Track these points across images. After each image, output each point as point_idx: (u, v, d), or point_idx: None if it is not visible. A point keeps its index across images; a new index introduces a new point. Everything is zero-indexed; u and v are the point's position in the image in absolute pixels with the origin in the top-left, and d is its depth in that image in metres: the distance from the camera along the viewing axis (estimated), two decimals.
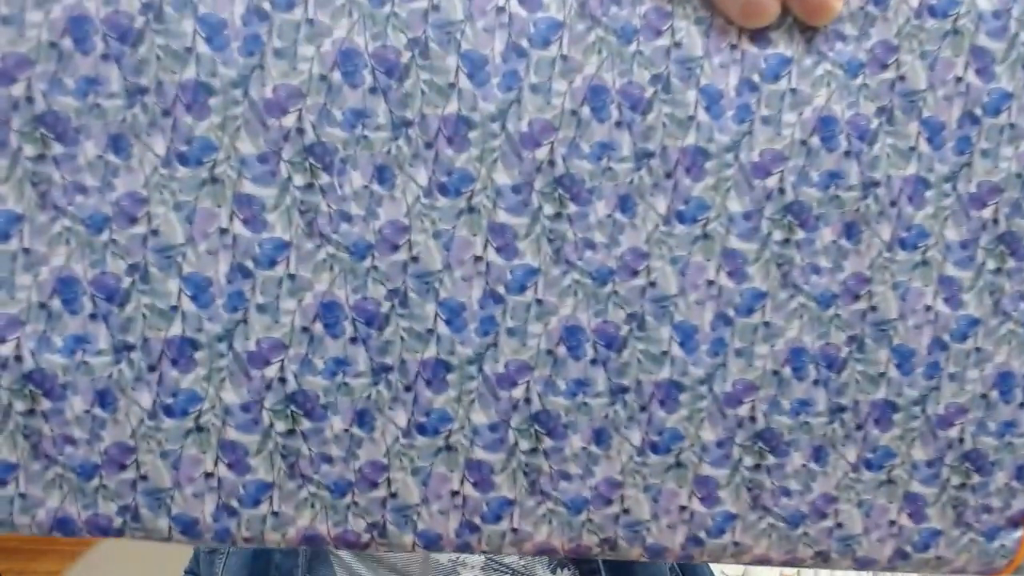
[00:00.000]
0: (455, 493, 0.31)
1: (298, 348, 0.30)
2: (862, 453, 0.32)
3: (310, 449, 0.31)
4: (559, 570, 0.63)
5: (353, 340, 0.30)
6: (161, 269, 0.30)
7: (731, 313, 0.31)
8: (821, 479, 0.32)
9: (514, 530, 0.31)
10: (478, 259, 0.31)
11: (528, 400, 0.31)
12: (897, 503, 0.32)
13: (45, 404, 0.29)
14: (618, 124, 0.30)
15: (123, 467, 0.30)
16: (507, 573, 0.62)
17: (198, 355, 0.30)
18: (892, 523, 0.33)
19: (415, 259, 0.30)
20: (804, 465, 0.32)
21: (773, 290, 0.31)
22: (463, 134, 0.30)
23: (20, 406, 0.29)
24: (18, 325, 0.29)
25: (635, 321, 0.31)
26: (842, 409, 0.32)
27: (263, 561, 0.64)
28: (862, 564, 0.33)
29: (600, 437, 0.31)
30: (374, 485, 0.31)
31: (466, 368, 0.31)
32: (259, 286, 0.30)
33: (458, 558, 0.61)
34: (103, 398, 0.30)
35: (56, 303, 0.29)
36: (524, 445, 0.31)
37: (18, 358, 0.29)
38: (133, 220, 0.30)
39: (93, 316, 0.30)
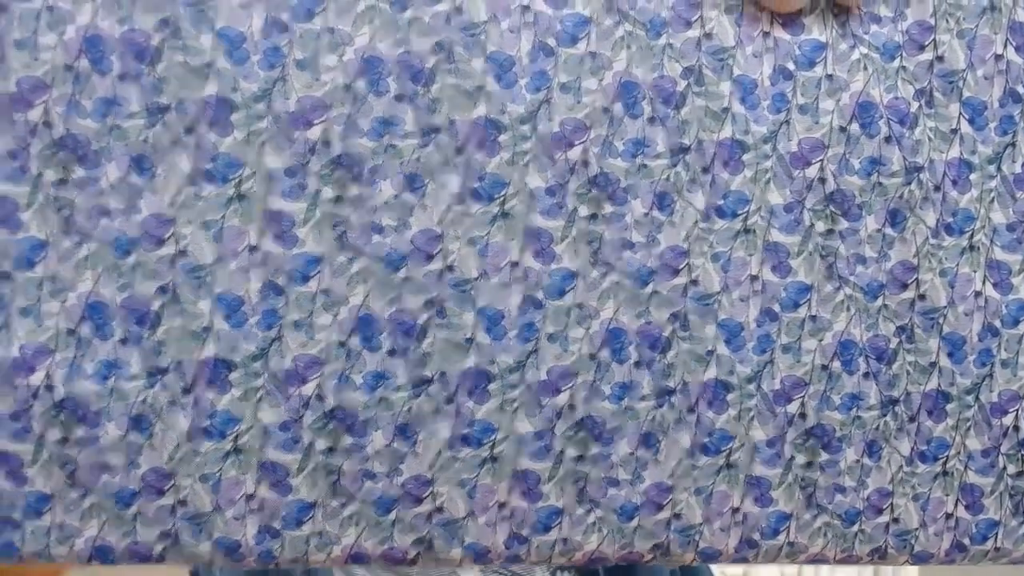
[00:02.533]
0: (503, 504, 0.30)
1: (335, 364, 0.30)
2: (916, 445, 0.31)
3: (352, 466, 0.30)
4: (558, 572, 0.62)
5: (391, 353, 0.30)
6: (191, 290, 0.29)
7: (776, 308, 0.30)
8: (875, 474, 0.31)
9: (564, 540, 0.31)
10: (515, 265, 0.30)
11: (572, 407, 0.30)
12: (953, 495, 0.32)
13: (79, 432, 0.29)
14: (651, 120, 0.30)
15: (161, 492, 0.29)
16: (506, 574, 0.61)
17: (233, 376, 0.29)
18: (949, 516, 0.32)
19: (450, 268, 0.30)
20: (857, 461, 0.31)
21: (818, 283, 0.30)
22: (493, 138, 0.29)
23: (54, 435, 0.29)
24: (47, 353, 0.29)
25: (678, 321, 0.30)
26: (894, 402, 0.31)
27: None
28: (919, 559, 0.32)
29: (648, 441, 0.30)
30: (419, 500, 0.30)
31: (507, 377, 0.30)
32: (292, 302, 0.29)
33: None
34: (138, 423, 0.29)
35: (85, 329, 0.29)
36: (571, 452, 0.30)
37: (49, 387, 0.28)
38: (160, 241, 0.29)
39: (124, 340, 0.29)
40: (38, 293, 0.28)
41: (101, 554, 0.29)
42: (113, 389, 0.29)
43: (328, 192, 0.29)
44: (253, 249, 0.29)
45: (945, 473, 0.32)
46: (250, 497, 0.30)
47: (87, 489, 0.29)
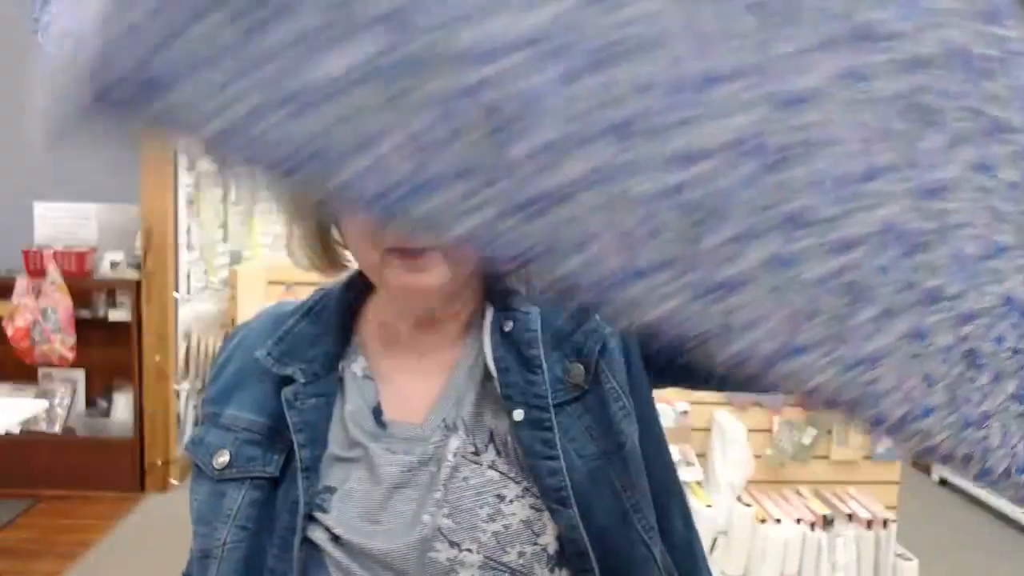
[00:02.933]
0: (773, 328, 0.34)
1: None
2: (1018, 388, 0.38)
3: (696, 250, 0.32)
4: (556, 569, 0.63)
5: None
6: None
7: (994, 250, 0.36)
8: (989, 399, 0.37)
9: (799, 373, 0.34)
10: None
11: (842, 271, 0.33)
12: (1021, 432, 0.38)
13: (498, 137, 0.29)
14: (968, 80, 0.34)
15: (548, 210, 0.30)
16: (506, 572, 0.62)
17: None
18: (1013, 447, 0.38)
19: None
20: (985, 384, 0.37)
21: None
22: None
23: (473, 132, 0.29)
24: (500, 55, 0.28)
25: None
26: (1018, 351, 0.37)
27: (256, 566, 0.64)
28: (984, 473, 0.38)
29: (884, 316, 0.35)
30: (724, 299, 0.32)
31: (823, 225, 0.33)
32: None
33: (456, 556, 0.61)
34: (563, 141, 0.29)
35: (552, 41, 0.29)
36: (833, 306, 0.34)
37: (483, 88, 0.28)
38: None
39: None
40: None
41: (480, 241, 0.30)
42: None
43: None
44: None
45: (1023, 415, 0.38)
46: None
47: (479, 186, 0.29)
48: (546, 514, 0.62)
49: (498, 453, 0.64)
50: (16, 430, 3.15)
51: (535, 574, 0.62)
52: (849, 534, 2.02)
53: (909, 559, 2.06)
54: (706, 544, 2.08)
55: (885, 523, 2.03)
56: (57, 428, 3.65)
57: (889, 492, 2.21)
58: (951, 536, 3.46)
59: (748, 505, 2.02)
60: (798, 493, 2.16)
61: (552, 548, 0.62)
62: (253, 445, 0.67)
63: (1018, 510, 3.52)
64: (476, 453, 0.64)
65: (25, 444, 3.53)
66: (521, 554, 0.62)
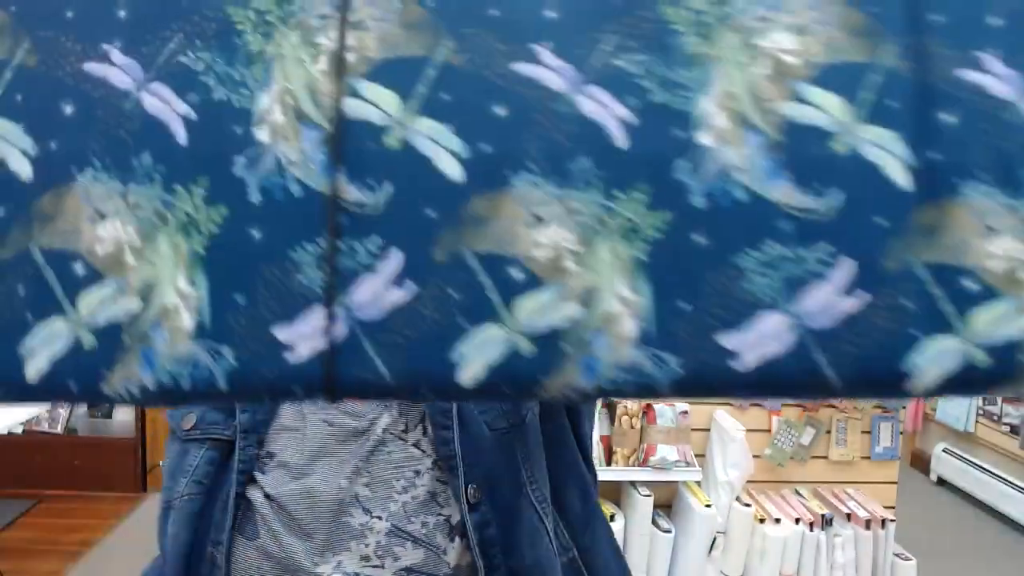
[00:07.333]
0: None
1: None
2: None
3: None
4: (456, 539, 0.67)
5: None
6: None
7: None
8: None
9: None
10: None
11: None
12: None
13: None
14: None
15: None
16: (409, 539, 0.66)
17: None
18: None
19: None
20: None
21: None
22: None
23: None
24: None
25: None
26: None
27: (206, 517, 0.69)
28: None
29: None
30: None
31: None
32: None
33: (367, 523, 0.66)
34: None
35: None
36: None
37: None
38: None
39: None
40: None
41: None
42: None
43: None
44: None
45: None
46: None
47: None
48: (451, 487, 0.67)
49: (424, 432, 0.68)
50: (18, 430, 3.17)
51: (436, 543, 0.66)
52: (847, 534, 2.04)
53: (907, 559, 2.07)
54: (706, 544, 2.08)
55: (883, 523, 2.04)
56: (59, 429, 3.66)
57: (887, 492, 2.22)
58: (949, 536, 3.47)
59: (747, 505, 2.03)
60: (797, 493, 2.17)
61: (455, 519, 0.67)
62: (217, 411, 0.72)
63: (1017, 510, 3.52)
64: (405, 431, 0.68)
65: (27, 444, 3.54)
66: (424, 524, 0.66)
